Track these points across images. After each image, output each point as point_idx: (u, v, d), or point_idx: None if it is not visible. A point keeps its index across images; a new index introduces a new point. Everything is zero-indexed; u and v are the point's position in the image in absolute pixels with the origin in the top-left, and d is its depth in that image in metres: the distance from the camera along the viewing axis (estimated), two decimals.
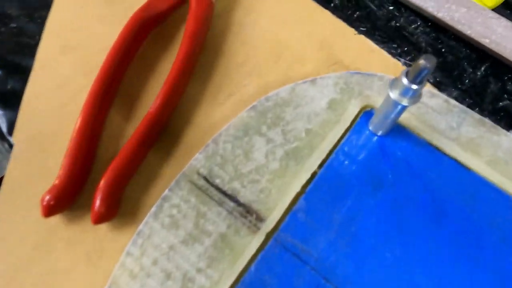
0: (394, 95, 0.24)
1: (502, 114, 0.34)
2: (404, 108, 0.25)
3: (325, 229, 0.25)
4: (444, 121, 0.30)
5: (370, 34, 0.37)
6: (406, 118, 0.30)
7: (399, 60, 0.36)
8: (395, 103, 0.25)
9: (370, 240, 0.25)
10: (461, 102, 0.35)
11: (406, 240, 0.25)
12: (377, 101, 0.30)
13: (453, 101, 0.31)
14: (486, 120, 0.31)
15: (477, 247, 0.26)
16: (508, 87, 0.36)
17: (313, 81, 0.30)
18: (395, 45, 0.37)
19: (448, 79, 0.36)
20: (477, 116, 0.31)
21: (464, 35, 0.37)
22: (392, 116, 0.26)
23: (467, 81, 0.36)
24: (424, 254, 0.25)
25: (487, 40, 0.37)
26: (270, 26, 0.34)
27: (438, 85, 0.35)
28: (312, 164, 0.27)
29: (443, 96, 0.31)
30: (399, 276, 0.24)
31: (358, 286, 0.24)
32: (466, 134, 0.30)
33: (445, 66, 0.37)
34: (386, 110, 0.26)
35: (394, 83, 0.24)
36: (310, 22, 0.35)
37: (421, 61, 0.22)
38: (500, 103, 0.35)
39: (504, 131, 0.30)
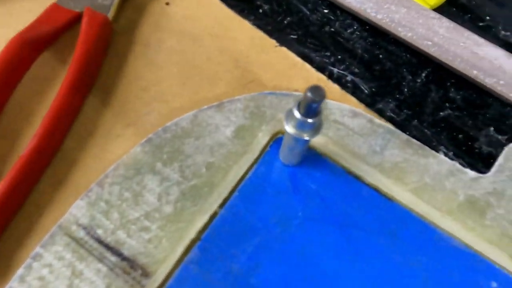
0: (290, 129, 0.21)
1: (443, 125, 0.31)
2: (306, 141, 0.22)
3: (220, 283, 0.22)
4: (366, 144, 0.27)
5: (301, 42, 0.34)
6: (322, 144, 0.26)
7: (332, 69, 0.33)
8: (295, 138, 0.22)
9: None
10: (398, 114, 0.32)
11: None
12: None
13: (378, 121, 0.28)
14: (414, 141, 0.28)
15: None
16: (450, 94, 0.33)
17: (219, 106, 0.27)
18: (328, 53, 0.34)
19: (386, 88, 0.33)
20: (404, 136, 0.28)
21: (405, 38, 0.34)
22: (296, 150, 0.23)
23: (406, 90, 0.33)
24: None
25: (429, 43, 0.34)
26: (178, 44, 0.30)
27: (373, 97, 0.32)
28: (211, 204, 0.24)
29: (367, 116, 0.28)
30: None
31: None
32: (391, 158, 0.27)
33: (383, 74, 0.33)
34: (289, 143, 0.23)
35: (288, 116, 0.21)
36: (225, 36, 0.32)
37: (308, 94, 0.18)
38: (441, 113, 0.32)
39: (432, 152, 0.27)
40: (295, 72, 0.31)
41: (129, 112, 0.28)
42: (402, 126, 0.31)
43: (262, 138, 0.26)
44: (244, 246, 0.23)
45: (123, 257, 0.22)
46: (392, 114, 0.32)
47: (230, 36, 0.32)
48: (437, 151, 0.29)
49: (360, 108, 0.30)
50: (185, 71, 0.30)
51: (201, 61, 0.30)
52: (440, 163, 0.27)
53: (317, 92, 0.18)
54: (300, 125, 0.20)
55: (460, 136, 0.31)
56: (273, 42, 0.33)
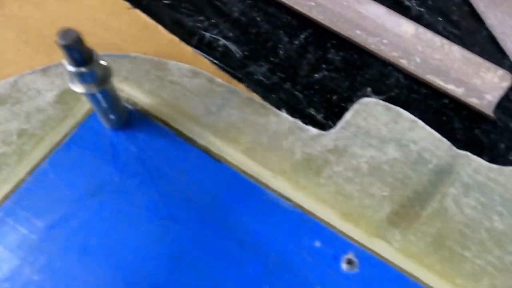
0: (75, 87, 0.19)
1: (317, 87, 0.30)
2: (99, 95, 0.20)
3: (14, 253, 0.20)
4: (202, 105, 0.25)
5: (174, 7, 0.32)
6: (153, 106, 0.25)
7: (204, 34, 0.31)
8: (85, 95, 0.20)
9: (67, 262, 0.21)
10: (269, 78, 0.30)
11: (120, 249, 0.21)
12: (123, 88, 0.25)
13: (218, 80, 0.26)
14: (255, 99, 0.26)
15: (213, 250, 0.21)
16: (329, 56, 0.31)
17: (45, 70, 0.25)
18: (202, 18, 0.32)
19: (260, 52, 0.31)
20: (245, 95, 0.26)
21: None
22: (99, 107, 0.21)
23: (281, 52, 0.31)
24: (145, 271, 0.21)
25: (312, 3, 0.32)
26: (19, 10, 0.29)
27: (244, 60, 0.30)
28: (18, 173, 0.22)
29: (207, 75, 0.26)
30: None
31: None
32: (227, 118, 0.25)
33: (258, 37, 0.32)
34: (92, 103, 0.21)
35: (68, 73, 0.19)
36: (72, 0, 0.30)
37: (57, 40, 0.17)
38: (316, 75, 0.31)
39: (274, 110, 0.26)
40: (146, 35, 0.29)
41: None
42: (271, 89, 0.29)
43: (86, 103, 0.24)
44: (47, 216, 0.21)
45: None
46: (261, 78, 0.30)
47: (78, 0, 0.30)
48: (307, 113, 0.28)
49: (222, 74, 0.29)
50: (23, 38, 0.28)
51: (43, 26, 0.29)
52: (281, 122, 0.25)
53: (66, 35, 0.17)
54: (79, 78, 0.19)
55: (334, 97, 0.30)
56: (126, 4, 0.31)
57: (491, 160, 0.26)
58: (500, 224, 0.23)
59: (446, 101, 0.30)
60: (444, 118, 0.29)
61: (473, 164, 0.25)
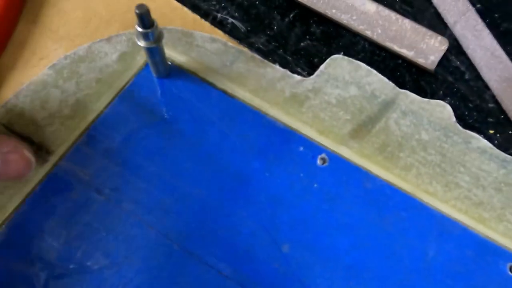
0: (140, 42, 0.30)
1: (302, 53, 0.41)
2: (155, 49, 0.31)
3: (101, 156, 0.31)
4: (219, 60, 0.36)
5: None
6: (185, 62, 0.36)
7: (216, 15, 0.42)
8: (145, 49, 0.31)
9: (140, 161, 0.32)
10: (266, 46, 0.41)
11: (174, 160, 0.32)
12: (164, 50, 0.36)
13: (230, 44, 0.37)
14: (257, 56, 0.37)
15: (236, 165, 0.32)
16: (311, 29, 0.42)
17: (108, 39, 0.36)
18: (214, 2, 0.43)
19: (259, 27, 0.42)
20: (249, 54, 0.37)
21: None
22: (153, 59, 0.32)
23: (275, 27, 0.42)
24: (188, 169, 0.32)
25: None
26: None
27: (248, 34, 0.41)
28: (99, 106, 0.33)
29: (223, 40, 0.37)
30: (168, 185, 0.31)
31: (125, 196, 0.31)
32: (237, 70, 0.36)
33: (257, 17, 0.42)
34: (146, 54, 0.32)
35: (137, 33, 0.30)
36: None
37: (136, 10, 0.28)
38: (302, 44, 0.41)
39: (270, 64, 0.37)
40: (175, 14, 0.40)
41: (42, 49, 0.37)
42: (268, 54, 0.40)
43: (139, 60, 0.35)
44: (120, 133, 0.32)
45: (33, 143, 0.32)
46: (261, 46, 0.41)
47: None
48: (294, 70, 0.38)
49: (232, 42, 0.39)
50: (87, 16, 0.39)
51: (102, 8, 0.39)
52: (275, 71, 0.36)
53: (141, 7, 0.28)
54: (144, 37, 0.30)
55: (315, 60, 0.40)
56: None
57: None
58: (426, 136, 0.34)
59: (400, 61, 0.40)
60: (398, 73, 0.40)
61: (409, 98, 0.36)
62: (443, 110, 0.35)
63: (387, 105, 0.35)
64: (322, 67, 0.37)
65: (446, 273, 0.30)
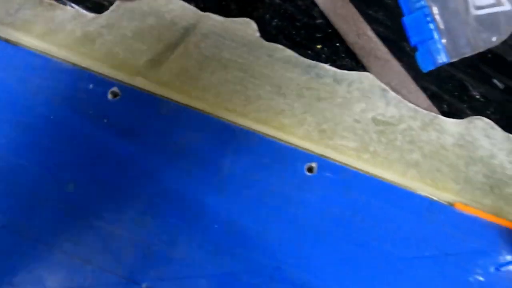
0: None
1: None
2: None
3: None
4: (2, 10, 0.33)
5: None
6: None
7: None
8: None
9: None
10: None
11: None
12: None
13: None
14: (46, 1, 0.34)
15: None
16: None
17: None
18: None
19: None
20: (38, 0, 0.34)
21: None
22: None
23: None
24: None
25: None
26: None
27: None
28: None
29: None
30: None
31: None
32: (23, 17, 0.33)
33: None
34: None
35: None
36: None
37: None
38: None
39: (61, 6, 0.34)
40: None
41: None
42: None
43: None
44: None
45: None
46: None
47: None
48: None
49: None
50: None
51: None
52: (65, 13, 0.34)
53: None
54: None
55: None
56: None
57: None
58: (228, 55, 0.33)
59: None
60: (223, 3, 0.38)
61: (212, 21, 0.34)
62: (247, 27, 0.34)
63: (188, 30, 0.34)
64: (117, 1, 0.35)
65: (240, 184, 0.28)
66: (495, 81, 0.40)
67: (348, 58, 0.38)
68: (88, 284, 0.26)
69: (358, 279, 0.27)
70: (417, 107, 0.32)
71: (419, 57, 0.34)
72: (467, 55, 0.34)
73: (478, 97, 0.40)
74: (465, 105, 0.39)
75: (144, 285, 0.26)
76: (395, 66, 0.37)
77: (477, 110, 0.40)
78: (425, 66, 0.34)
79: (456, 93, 0.40)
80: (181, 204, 0.28)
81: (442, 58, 0.32)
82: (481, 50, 0.33)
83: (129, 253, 0.27)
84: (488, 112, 0.40)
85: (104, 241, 0.27)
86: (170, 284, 0.26)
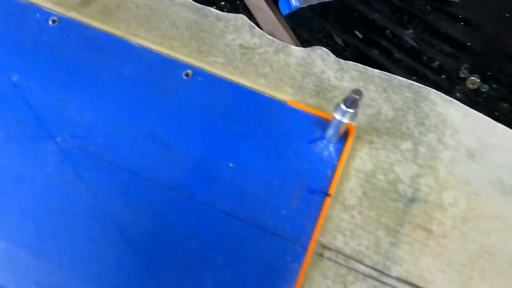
0: None
1: None
2: None
3: None
4: None
5: None
6: None
7: None
8: None
9: None
10: None
11: None
12: None
13: None
14: None
15: None
16: None
17: None
18: None
19: None
20: None
21: None
22: None
23: None
24: None
25: None
26: None
27: None
28: None
29: None
30: None
31: None
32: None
33: None
34: None
35: None
36: None
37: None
38: None
39: None
40: None
41: None
42: None
43: None
44: None
45: None
46: None
47: None
48: None
49: None
50: None
51: None
52: None
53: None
54: None
55: None
56: None
57: None
58: (185, 13, 0.45)
59: None
60: None
61: None
62: None
63: None
64: None
65: (137, 88, 0.40)
66: (357, 32, 0.52)
67: (242, 10, 0.50)
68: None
69: (211, 140, 0.39)
70: (274, 39, 0.44)
71: (280, 4, 0.46)
72: (314, 3, 0.46)
73: (340, 42, 0.52)
74: (329, 49, 0.51)
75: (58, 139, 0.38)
76: (271, 15, 0.49)
77: (338, 52, 0.52)
78: (284, 10, 0.46)
79: (324, 40, 0.52)
80: None
81: (296, 3, 0.44)
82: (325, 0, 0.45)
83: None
84: (346, 54, 0.52)
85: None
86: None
